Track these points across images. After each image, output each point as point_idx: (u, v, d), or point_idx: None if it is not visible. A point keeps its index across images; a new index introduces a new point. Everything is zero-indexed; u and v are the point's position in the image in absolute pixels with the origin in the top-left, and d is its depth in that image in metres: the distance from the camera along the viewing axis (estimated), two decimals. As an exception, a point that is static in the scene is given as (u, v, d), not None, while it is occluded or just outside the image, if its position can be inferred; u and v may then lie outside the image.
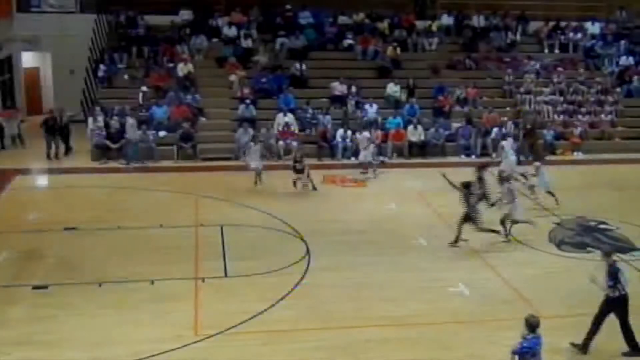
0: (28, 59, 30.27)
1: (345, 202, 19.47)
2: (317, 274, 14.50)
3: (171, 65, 26.81)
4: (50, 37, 28.00)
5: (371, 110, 25.49)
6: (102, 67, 26.67)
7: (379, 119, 25.24)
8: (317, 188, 20.24)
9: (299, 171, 20.14)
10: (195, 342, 11.63)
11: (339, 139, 24.23)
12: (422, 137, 24.81)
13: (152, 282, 13.88)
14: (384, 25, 29.60)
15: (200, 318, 12.51)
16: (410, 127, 24.87)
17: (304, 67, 26.94)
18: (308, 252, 15.62)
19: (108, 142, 23.47)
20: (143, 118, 24.33)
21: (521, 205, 16.65)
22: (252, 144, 21.52)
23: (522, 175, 18.69)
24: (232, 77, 26.33)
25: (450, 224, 16.43)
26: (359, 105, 25.89)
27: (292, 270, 14.59)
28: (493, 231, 16.11)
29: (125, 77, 26.50)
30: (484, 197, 16.73)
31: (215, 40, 28.38)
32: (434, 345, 11.65)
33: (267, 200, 18.58)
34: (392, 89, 26.66)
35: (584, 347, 11.24)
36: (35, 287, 13.60)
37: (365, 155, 22.28)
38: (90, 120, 24.22)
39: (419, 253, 15.76)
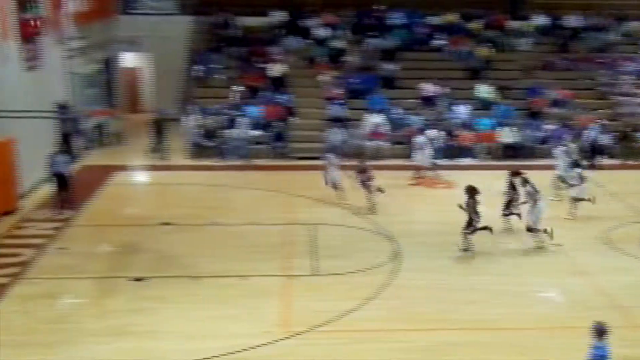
0: (129, 60, 31.38)
1: (434, 204, 19.47)
2: (405, 274, 14.61)
3: (264, 65, 27.33)
4: (150, 38, 28.99)
5: (462, 111, 25.33)
6: (198, 67, 27.44)
7: (470, 120, 25.05)
8: (384, 190, 18.83)
9: (366, 184, 18.51)
10: (284, 339, 11.91)
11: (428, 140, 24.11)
12: (515, 139, 24.48)
13: (244, 278, 14.30)
14: (475, 25, 29.32)
15: (289, 315, 12.81)
16: (504, 129, 24.56)
17: (394, 67, 26.98)
18: (397, 252, 15.74)
19: (204, 141, 24.14)
20: (237, 117, 24.95)
21: (541, 212, 16.12)
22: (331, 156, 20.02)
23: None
24: (323, 78, 26.64)
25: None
26: (449, 106, 25.76)
27: (381, 270, 14.74)
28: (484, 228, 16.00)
29: (221, 77, 27.18)
30: (510, 203, 16.92)
31: (307, 41, 28.75)
32: (515, 350, 11.61)
33: (358, 200, 18.75)
34: (483, 90, 26.41)
35: None
36: (134, 279, 14.25)
37: (420, 158, 21.70)
38: (187, 119, 24.98)
39: (508, 256, 15.66)
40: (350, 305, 13.05)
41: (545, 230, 15.99)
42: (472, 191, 15.76)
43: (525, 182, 16.43)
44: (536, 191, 16.13)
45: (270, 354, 11.52)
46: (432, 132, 22.47)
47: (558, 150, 20.53)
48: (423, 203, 19.56)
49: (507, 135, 24.51)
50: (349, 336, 12.05)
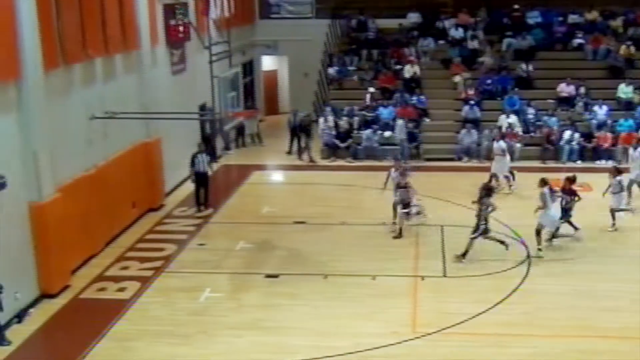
0: (267, 63, 32.36)
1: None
2: (536, 279, 14.42)
3: (398, 67, 27.48)
4: (288, 41, 29.80)
5: (600, 112, 24.51)
6: (333, 69, 27.97)
7: (609, 121, 24.20)
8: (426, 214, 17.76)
9: (405, 204, 17.10)
10: (412, 339, 12.08)
11: (564, 141, 23.56)
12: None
13: (374, 278, 14.55)
14: (617, 23, 28.21)
15: (417, 316, 12.95)
16: (648, 131, 23.58)
17: (530, 67, 26.44)
18: (529, 256, 15.53)
19: (337, 141, 24.61)
20: (370, 118, 25.26)
21: (553, 215, 15.85)
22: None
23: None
24: (457, 79, 26.50)
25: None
26: (587, 106, 24.99)
27: (511, 273, 14.62)
28: (501, 242, 15.66)
29: (355, 78, 27.58)
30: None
31: (441, 42, 28.66)
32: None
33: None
34: (624, 89, 25.38)
35: None
36: (267, 276, 14.83)
37: (496, 167, 20.42)
38: (321, 120, 25.53)
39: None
40: (478, 308, 13.04)
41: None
42: (487, 190, 15.58)
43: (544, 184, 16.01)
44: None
45: (397, 353, 11.71)
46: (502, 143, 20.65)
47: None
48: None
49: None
50: (476, 339, 12.06)
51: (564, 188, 16.24)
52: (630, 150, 19.68)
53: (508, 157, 20.65)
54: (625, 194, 17.76)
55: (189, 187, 19.93)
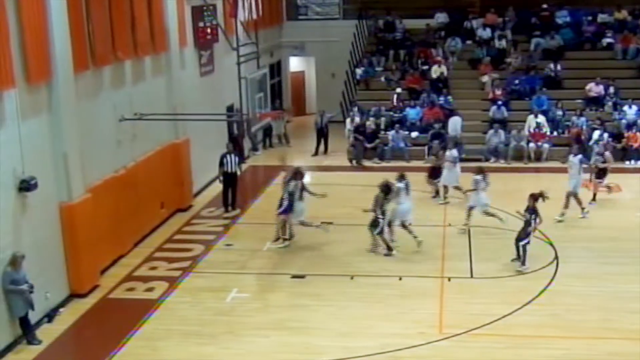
0: (294, 64, 32.46)
1: (598, 207, 18.80)
2: (564, 280, 14.33)
3: (425, 67, 27.42)
4: (315, 42, 29.87)
5: (630, 111, 24.26)
6: (360, 70, 27.98)
7: (639, 121, 23.94)
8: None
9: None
10: (438, 340, 12.08)
11: (593, 141, 23.34)
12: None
13: (400, 279, 14.56)
14: (646, 22, 27.94)
15: (444, 317, 12.93)
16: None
17: (558, 67, 26.24)
18: (556, 257, 15.43)
19: (364, 142, 24.58)
20: (397, 119, 25.24)
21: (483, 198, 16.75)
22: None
23: None
24: (485, 79, 26.38)
25: None
26: (616, 106, 24.75)
27: (538, 274, 14.54)
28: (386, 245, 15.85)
29: (382, 79, 27.57)
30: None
31: (469, 42, 28.55)
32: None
33: (516, 203, 18.42)
34: (655, 89, 25.15)
35: None
36: (294, 277, 14.89)
37: (447, 177, 19.56)
38: (347, 120, 25.55)
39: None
40: (506, 309, 13.00)
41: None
42: (385, 188, 15.75)
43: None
44: None
45: (423, 354, 11.71)
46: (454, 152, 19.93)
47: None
48: (587, 207, 18.91)
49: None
50: (503, 341, 12.01)
51: (528, 206, 15.04)
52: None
53: (459, 167, 19.69)
54: None
55: (217, 187, 20.05)
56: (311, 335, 12.40)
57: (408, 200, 16.37)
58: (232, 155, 19.22)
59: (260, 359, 11.81)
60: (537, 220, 14.88)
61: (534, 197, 14.99)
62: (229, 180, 19.16)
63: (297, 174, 16.86)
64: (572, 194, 17.85)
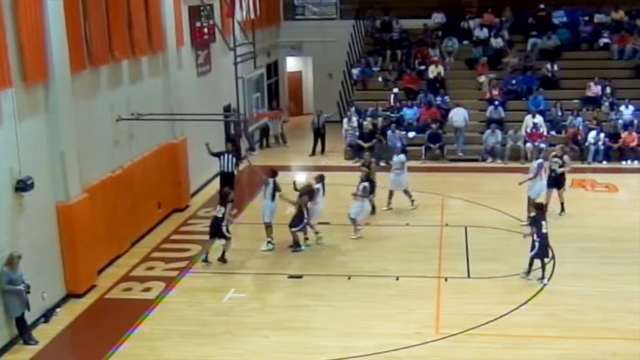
0: (291, 64, 32.42)
1: (594, 207, 18.87)
2: (561, 280, 14.32)
3: (423, 67, 27.42)
4: (312, 43, 29.82)
5: (627, 111, 24.29)
6: (357, 70, 27.97)
7: (635, 121, 23.97)
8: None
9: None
10: (435, 340, 12.07)
11: (590, 141, 23.38)
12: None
13: (397, 279, 14.55)
14: (643, 22, 27.96)
15: (441, 317, 12.93)
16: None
17: (555, 67, 26.26)
18: (553, 257, 15.37)
19: (360, 142, 24.59)
20: (394, 119, 25.23)
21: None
22: None
23: None
24: (482, 79, 26.40)
25: None
26: (613, 106, 24.78)
27: (536, 275, 14.48)
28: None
29: (379, 79, 27.56)
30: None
31: (466, 42, 28.56)
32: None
33: (513, 203, 18.48)
34: (650, 89, 25.18)
35: None
36: (291, 277, 14.87)
37: (394, 182, 18.82)
38: (344, 120, 25.53)
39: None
40: (504, 309, 13.00)
41: None
42: (310, 193, 16.08)
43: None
44: None
45: (421, 354, 11.71)
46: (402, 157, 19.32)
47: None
48: (583, 207, 18.93)
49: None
50: (501, 340, 12.02)
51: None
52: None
53: (406, 172, 19.05)
54: None
55: (214, 187, 20.02)
56: (310, 335, 12.38)
57: (322, 200, 16.81)
58: (229, 155, 19.18)
59: (259, 358, 11.79)
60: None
61: (537, 207, 14.88)
62: (226, 180, 19.12)
63: (272, 173, 17.01)
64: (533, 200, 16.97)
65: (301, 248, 16.32)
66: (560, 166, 17.87)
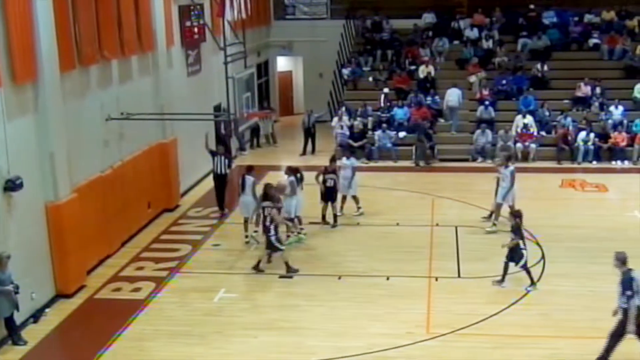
0: (282, 63, 32.39)
1: (585, 207, 18.93)
2: (551, 280, 14.32)
3: (413, 67, 27.44)
4: (302, 42, 29.83)
5: (616, 112, 24.38)
6: (347, 70, 27.97)
7: (625, 121, 24.06)
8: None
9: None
10: (426, 340, 12.07)
11: (580, 141, 23.44)
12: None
13: (388, 279, 14.55)
14: (633, 23, 28.00)
15: (432, 316, 12.92)
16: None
17: (545, 68, 26.33)
18: (543, 257, 15.45)
19: (351, 142, 24.58)
20: (384, 119, 25.24)
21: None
22: None
23: None
24: (472, 79, 26.44)
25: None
26: (603, 107, 24.87)
27: (525, 274, 14.54)
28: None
29: (370, 79, 27.57)
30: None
31: (456, 42, 28.62)
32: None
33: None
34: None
35: None
36: (282, 277, 14.85)
37: (344, 186, 18.15)
38: (335, 120, 25.53)
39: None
40: (494, 309, 13.02)
41: None
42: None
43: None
44: None
45: (412, 354, 11.70)
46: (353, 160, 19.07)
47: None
48: (573, 207, 19.01)
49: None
50: (491, 340, 12.02)
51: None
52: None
53: (357, 176, 18.61)
54: None
55: (204, 187, 20.00)
56: (301, 335, 12.36)
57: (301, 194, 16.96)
58: (222, 157, 19.14)
59: (249, 359, 11.76)
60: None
61: (515, 215, 14.45)
62: (218, 181, 19.07)
63: (249, 169, 17.23)
64: (499, 205, 17.05)
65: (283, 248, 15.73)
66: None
